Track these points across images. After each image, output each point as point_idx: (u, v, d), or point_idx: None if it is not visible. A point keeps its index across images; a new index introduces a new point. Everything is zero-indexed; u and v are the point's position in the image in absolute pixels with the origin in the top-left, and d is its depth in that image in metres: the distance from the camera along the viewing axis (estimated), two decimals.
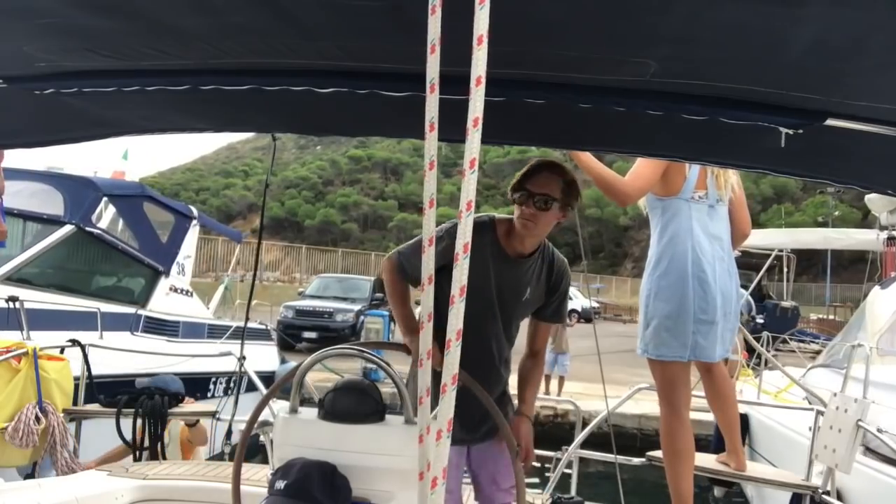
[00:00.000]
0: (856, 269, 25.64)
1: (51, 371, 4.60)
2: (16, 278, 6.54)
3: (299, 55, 1.49)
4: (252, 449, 4.56)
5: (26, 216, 7.06)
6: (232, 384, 8.16)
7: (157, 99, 1.79)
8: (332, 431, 1.88)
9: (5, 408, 4.31)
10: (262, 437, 3.91)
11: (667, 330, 2.95)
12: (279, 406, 2.35)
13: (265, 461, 3.75)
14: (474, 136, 0.93)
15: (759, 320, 17.36)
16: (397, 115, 1.80)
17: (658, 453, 3.33)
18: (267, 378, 7.31)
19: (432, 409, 1.17)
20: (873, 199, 10.72)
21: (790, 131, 1.52)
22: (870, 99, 1.39)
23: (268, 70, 1.58)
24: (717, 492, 4.95)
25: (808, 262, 29.53)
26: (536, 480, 5.21)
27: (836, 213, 32.65)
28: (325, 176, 69.98)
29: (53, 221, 7.19)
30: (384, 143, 68.45)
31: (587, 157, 2.88)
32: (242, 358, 4.83)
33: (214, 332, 9.13)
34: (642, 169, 2.95)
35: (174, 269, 8.79)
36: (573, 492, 3.93)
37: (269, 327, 10.86)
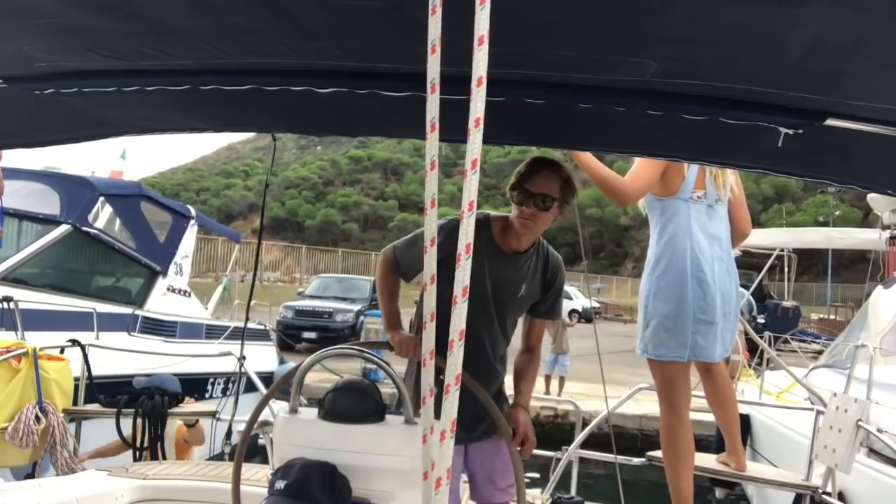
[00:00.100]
0: (857, 269, 25.65)
1: (51, 371, 4.60)
2: (11, 278, 6.52)
3: (299, 55, 1.49)
4: (252, 449, 4.56)
5: (22, 216, 7.03)
6: (230, 385, 8.16)
7: (157, 99, 1.79)
8: (332, 431, 1.88)
9: (5, 408, 4.30)
10: (261, 437, 3.91)
11: (666, 330, 2.95)
12: (279, 406, 2.35)
13: (265, 461, 3.75)
14: (476, 136, 0.93)
15: (761, 320, 17.33)
16: (397, 116, 1.80)
17: (658, 453, 3.33)
18: (265, 379, 7.30)
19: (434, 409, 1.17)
20: (875, 199, 10.69)
21: (790, 131, 1.52)
22: (870, 99, 1.39)
23: (268, 70, 1.59)
24: (719, 493, 4.94)
25: (809, 262, 29.52)
26: (537, 476, 5.21)
27: (837, 212, 32.62)
28: (326, 176, 70.01)
29: (49, 221, 7.16)
30: (385, 143, 68.48)
31: (587, 157, 2.88)
32: (242, 358, 4.83)
33: (212, 332, 9.10)
34: (642, 169, 2.95)
35: (172, 269, 8.76)
36: (573, 492, 3.92)
37: (267, 327, 10.83)
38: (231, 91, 1.66)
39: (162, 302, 8.38)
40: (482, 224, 2.52)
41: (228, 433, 4.84)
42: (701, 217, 3.01)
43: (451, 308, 0.96)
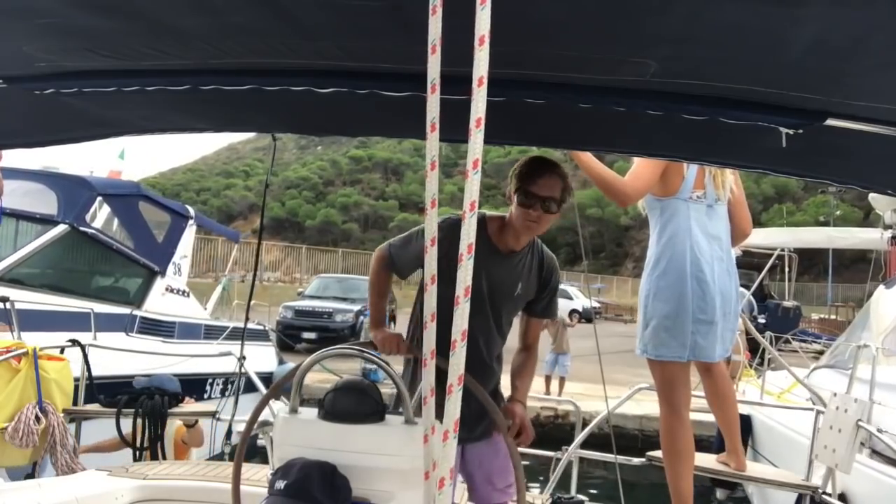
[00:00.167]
0: (857, 269, 25.63)
1: (51, 371, 4.60)
2: (7, 278, 6.49)
3: (299, 55, 1.49)
4: (252, 449, 4.56)
5: (19, 215, 6.99)
6: (229, 385, 8.14)
7: (157, 99, 1.79)
8: (332, 431, 1.88)
9: (5, 408, 4.30)
10: (261, 437, 3.91)
11: (666, 330, 2.95)
12: (279, 406, 2.35)
13: (265, 461, 3.75)
14: (477, 136, 0.93)
15: (761, 320, 17.29)
16: (397, 116, 1.80)
17: (658, 453, 3.33)
18: (264, 379, 7.29)
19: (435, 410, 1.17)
20: (877, 198, 10.66)
21: (790, 131, 1.52)
22: (870, 99, 1.39)
23: (268, 70, 1.58)
24: (720, 494, 4.94)
25: (810, 262, 29.49)
26: (540, 479, 5.21)
27: (838, 212, 32.59)
28: (326, 176, 70.03)
29: (47, 221, 7.13)
30: (385, 143, 68.50)
31: (587, 157, 2.88)
32: (242, 358, 4.83)
33: (211, 332, 9.06)
34: (641, 169, 2.95)
35: (170, 269, 8.72)
36: (573, 492, 3.92)
37: (266, 328, 10.82)
38: (231, 91, 1.66)
39: (160, 302, 8.35)
40: (479, 224, 2.51)
41: (228, 433, 4.84)
42: (700, 217, 3.01)
43: (453, 308, 0.96)
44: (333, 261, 34.70)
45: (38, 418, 4.33)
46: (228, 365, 7.37)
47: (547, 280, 2.65)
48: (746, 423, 6.03)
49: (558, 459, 4.10)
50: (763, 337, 7.39)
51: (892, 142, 1.50)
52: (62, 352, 4.95)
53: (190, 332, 8.69)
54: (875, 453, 4.10)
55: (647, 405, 9.40)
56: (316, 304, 17.87)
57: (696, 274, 2.91)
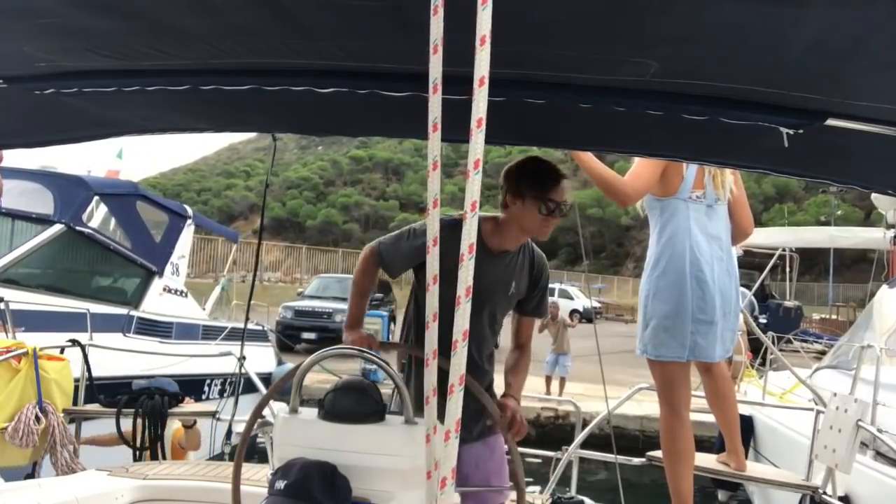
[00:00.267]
0: (858, 269, 25.62)
1: (51, 371, 4.60)
2: (3, 279, 6.46)
3: (300, 55, 1.49)
4: (252, 449, 4.56)
5: (15, 215, 6.97)
6: (227, 386, 8.13)
7: (157, 99, 1.79)
8: (332, 431, 1.88)
9: (5, 408, 4.30)
10: (261, 437, 3.91)
11: (665, 330, 2.95)
12: (279, 406, 2.35)
13: (265, 461, 3.75)
14: (478, 136, 0.93)
15: (763, 320, 17.31)
16: (398, 116, 1.80)
17: (658, 453, 3.33)
18: (264, 379, 7.28)
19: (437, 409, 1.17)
20: (880, 198, 10.63)
21: (791, 131, 1.52)
22: (870, 99, 1.39)
23: (268, 70, 1.58)
24: (722, 495, 4.94)
25: (811, 262, 29.51)
26: (541, 480, 5.20)
27: (839, 212, 32.58)
28: (327, 176, 70.04)
29: (43, 221, 7.10)
30: (385, 143, 68.51)
31: (588, 158, 2.88)
32: (242, 358, 4.83)
33: (209, 333, 9.01)
34: (641, 169, 2.95)
35: (168, 269, 8.69)
36: (573, 492, 3.92)
37: (265, 328, 10.79)
38: (231, 91, 1.66)
39: (158, 302, 8.32)
40: None
41: (228, 433, 4.83)
42: (700, 217, 3.01)
43: (453, 308, 0.96)
44: (334, 261, 34.70)
45: (38, 418, 4.34)
46: (227, 366, 7.36)
47: (538, 278, 2.65)
48: (748, 423, 6.03)
49: (558, 459, 4.09)
50: (766, 336, 7.38)
51: (893, 142, 1.50)
52: (62, 352, 4.95)
53: (188, 332, 8.65)
54: (879, 455, 4.09)
55: (647, 405, 9.41)
56: (316, 304, 17.86)
57: (696, 274, 2.91)
